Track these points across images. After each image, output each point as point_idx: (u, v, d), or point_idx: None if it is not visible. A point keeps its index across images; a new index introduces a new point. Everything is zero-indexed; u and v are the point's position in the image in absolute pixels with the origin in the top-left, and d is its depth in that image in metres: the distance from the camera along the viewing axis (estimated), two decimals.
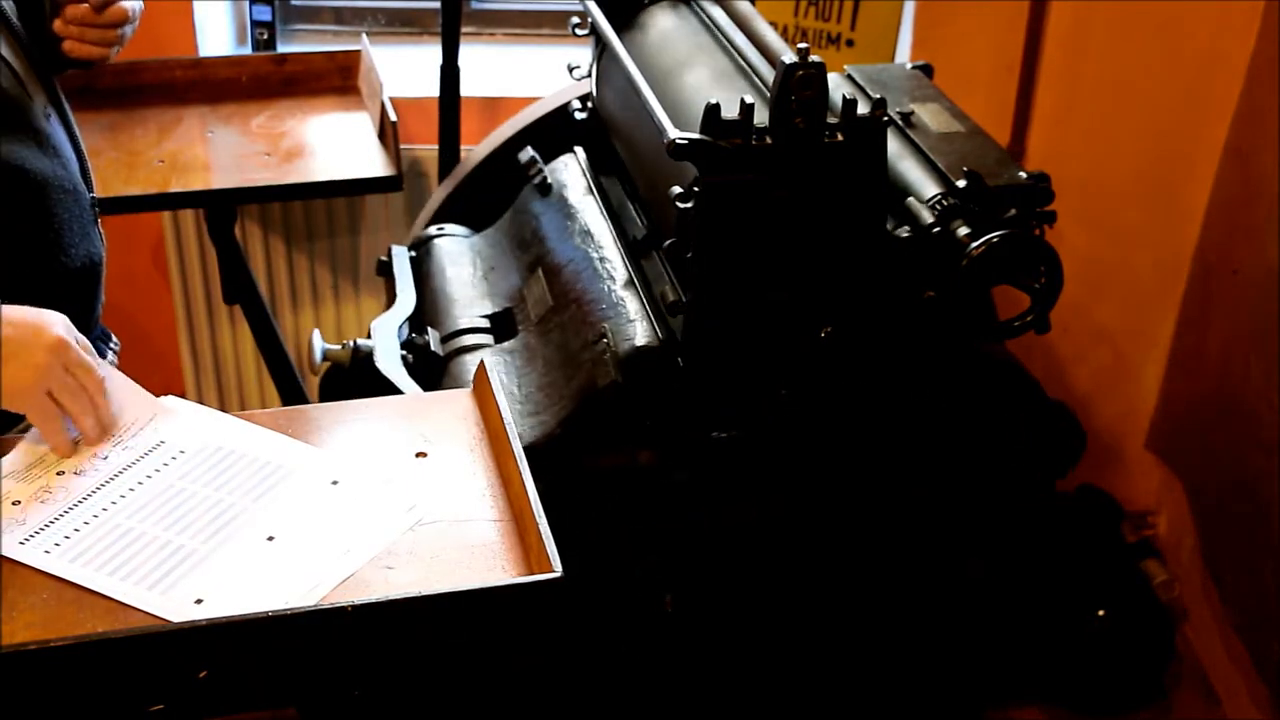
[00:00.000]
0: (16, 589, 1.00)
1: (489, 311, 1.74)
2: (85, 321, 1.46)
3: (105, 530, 1.08)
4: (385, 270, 1.89)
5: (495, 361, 1.62)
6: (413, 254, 1.90)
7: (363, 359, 1.67)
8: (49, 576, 1.02)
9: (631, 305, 1.54)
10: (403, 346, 1.68)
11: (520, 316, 1.71)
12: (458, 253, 1.88)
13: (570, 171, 1.84)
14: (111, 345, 1.53)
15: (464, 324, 1.71)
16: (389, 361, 1.64)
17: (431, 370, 1.65)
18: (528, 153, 1.90)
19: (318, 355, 1.71)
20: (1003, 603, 1.69)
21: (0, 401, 1.15)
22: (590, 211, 1.74)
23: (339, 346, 1.70)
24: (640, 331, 1.48)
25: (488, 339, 1.69)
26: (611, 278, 1.59)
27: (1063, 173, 1.55)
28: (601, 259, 1.63)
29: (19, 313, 1.17)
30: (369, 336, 1.70)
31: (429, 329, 1.71)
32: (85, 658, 0.92)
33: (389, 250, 1.90)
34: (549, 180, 1.84)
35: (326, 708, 1.00)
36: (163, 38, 2.25)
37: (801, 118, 1.33)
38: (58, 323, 1.18)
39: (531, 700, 1.07)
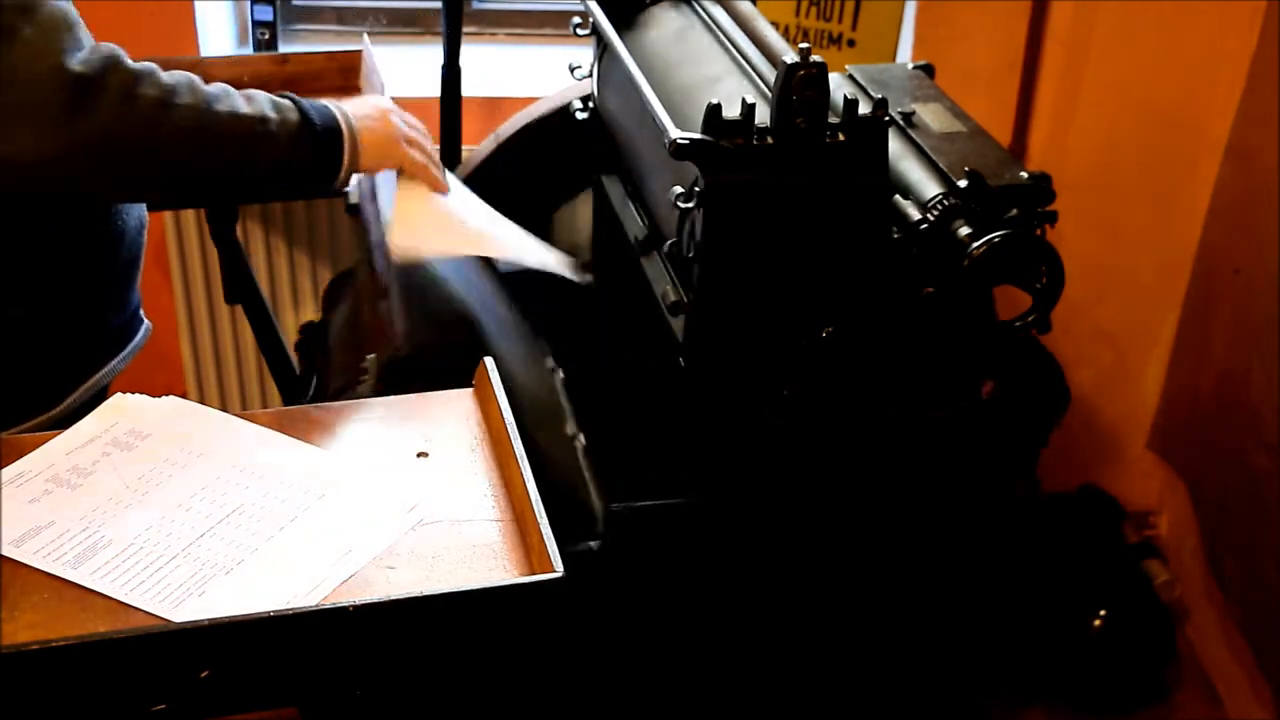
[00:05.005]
0: (18, 589, 1.00)
1: None
2: (132, 284, 1.48)
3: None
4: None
5: None
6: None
7: None
8: (50, 577, 1.02)
9: None
10: None
11: None
12: None
13: None
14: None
15: None
16: None
17: None
18: None
19: None
20: (1006, 603, 1.69)
21: (365, 161, 1.43)
22: None
23: None
24: None
25: None
26: None
27: (1064, 173, 1.55)
28: None
29: (355, 104, 1.46)
30: None
31: None
32: (87, 658, 0.92)
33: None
34: None
35: (327, 708, 1.00)
36: (164, 38, 2.24)
37: (803, 118, 1.33)
38: (383, 100, 1.52)
39: (532, 700, 1.07)
